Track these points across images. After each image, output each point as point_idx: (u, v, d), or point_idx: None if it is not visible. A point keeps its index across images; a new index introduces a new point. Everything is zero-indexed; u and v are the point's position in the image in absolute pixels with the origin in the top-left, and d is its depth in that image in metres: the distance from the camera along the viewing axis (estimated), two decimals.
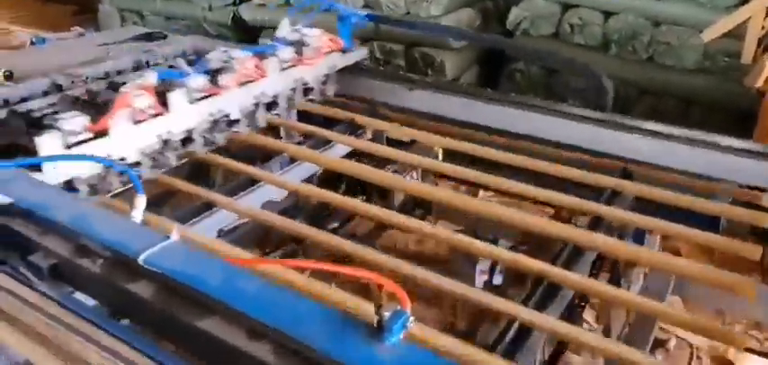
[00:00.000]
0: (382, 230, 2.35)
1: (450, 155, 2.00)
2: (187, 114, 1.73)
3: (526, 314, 1.20)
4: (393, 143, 2.13)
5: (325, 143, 2.02)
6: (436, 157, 2.08)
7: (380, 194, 2.10)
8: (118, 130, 1.55)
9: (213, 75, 1.83)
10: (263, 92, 1.95)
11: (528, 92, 3.62)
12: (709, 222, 1.57)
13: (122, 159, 1.56)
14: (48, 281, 1.16)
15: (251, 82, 1.90)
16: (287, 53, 2.06)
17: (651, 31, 3.23)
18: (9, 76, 2.02)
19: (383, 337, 0.72)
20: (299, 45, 2.10)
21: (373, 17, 2.66)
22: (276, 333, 0.76)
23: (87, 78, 2.10)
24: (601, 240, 1.49)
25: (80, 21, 5.98)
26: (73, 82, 2.05)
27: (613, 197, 1.70)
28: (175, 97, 1.69)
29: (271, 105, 2.02)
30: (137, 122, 1.61)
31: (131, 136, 1.59)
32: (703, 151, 1.78)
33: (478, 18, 3.81)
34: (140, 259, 0.88)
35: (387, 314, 0.71)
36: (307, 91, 2.16)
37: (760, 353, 1.61)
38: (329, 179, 2.09)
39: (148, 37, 2.56)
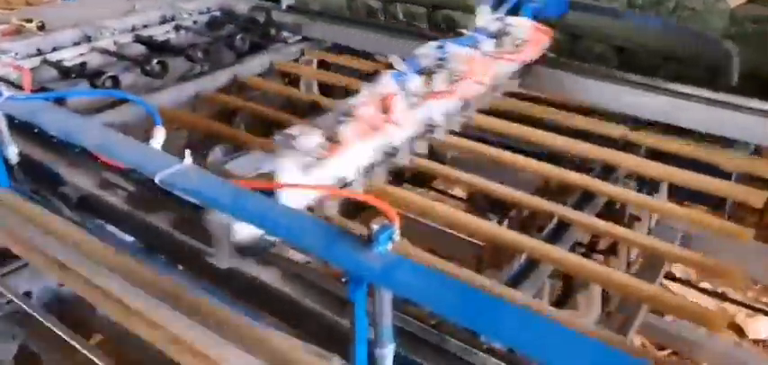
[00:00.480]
0: None
1: None
2: (406, 123, 1.45)
3: (534, 244, 1.25)
4: None
5: None
6: None
7: None
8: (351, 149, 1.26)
9: (428, 74, 1.50)
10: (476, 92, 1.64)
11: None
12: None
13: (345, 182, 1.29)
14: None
15: (464, 81, 1.57)
16: (487, 45, 1.71)
17: None
18: (41, 27, 2.11)
19: (371, 246, 0.79)
20: (502, 36, 1.75)
21: (580, 4, 2.51)
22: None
23: (115, 31, 2.19)
24: (610, 187, 1.54)
25: None
26: (101, 34, 2.14)
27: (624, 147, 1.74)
28: (396, 104, 1.38)
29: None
30: (366, 137, 1.31)
31: (359, 153, 1.31)
32: (718, 110, 1.79)
33: None
34: (157, 179, 0.96)
35: (375, 227, 0.78)
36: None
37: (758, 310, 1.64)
38: None
39: None
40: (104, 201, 1.21)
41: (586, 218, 1.44)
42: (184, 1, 2.51)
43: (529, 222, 1.75)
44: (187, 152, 1.02)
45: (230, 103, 2.00)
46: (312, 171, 1.12)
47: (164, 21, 2.36)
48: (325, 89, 2.36)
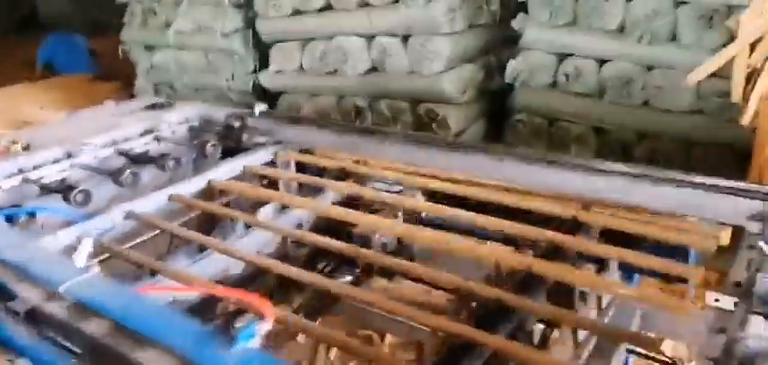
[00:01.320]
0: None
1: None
2: None
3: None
4: None
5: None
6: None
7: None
8: None
9: None
10: None
11: (531, 140, 3.72)
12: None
13: None
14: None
15: None
16: None
17: (644, 76, 3.31)
18: (26, 147, 2.26)
19: (232, 343, 0.85)
20: None
21: None
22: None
23: (97, 146, 2.33)
24: (557, 269, 1.58)
25: (121, 96, 6.44)
26: (82, 150, 2.28)
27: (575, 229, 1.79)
28: None
29: None
30: None
31: None
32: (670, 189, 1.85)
33: (481, 72, 3.96)
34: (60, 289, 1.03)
35: (239, 325, 0.85)
36: None
37: None
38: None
39: (158, 106, 2.80)
40: (48, 313, 1.28)
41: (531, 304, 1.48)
42: (168, 113, 2.67)
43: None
44: (94, 261, 1.10)
45: (204, 208, 2.10)
46: None
47: (145, 133, 2.51)
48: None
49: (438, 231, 2.29)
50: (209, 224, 2.19)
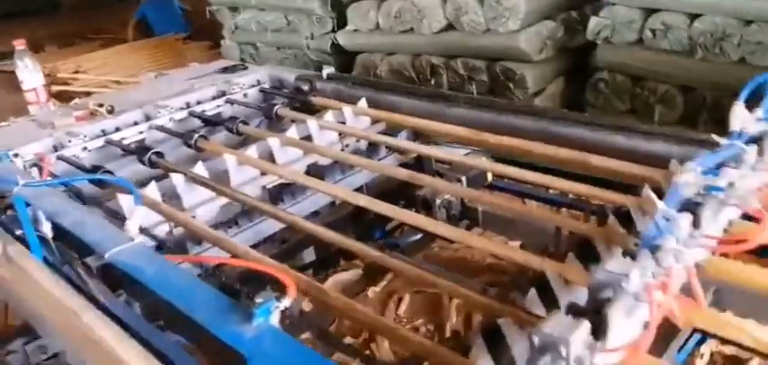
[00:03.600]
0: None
1: None
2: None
3: None
4: None
5: None
6: None
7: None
8: None
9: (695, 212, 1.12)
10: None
11: (613, 100, 3.55)
12: None
13: None
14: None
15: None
16: (752, 155, 1.32)
17: (742, 30, 3.04)
18: (111, 110, 2.40)
19: (250, 318, 0.87)
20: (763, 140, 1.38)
21: None
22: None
23: (172, 109, 2.44)
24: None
25: (211, 56, 6.68)
26: (159, 112, 2.40)
27: None
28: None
29: None
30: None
31: None
32: None
33: (560, 29, 3.78)
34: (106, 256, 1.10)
35: (259, 300, 0.87)
36: None
37: None
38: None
39: (232, 69, 2.89)
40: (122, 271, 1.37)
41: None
42: (238, 76, 2.75)
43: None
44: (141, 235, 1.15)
45: (268, 169, 2.16)
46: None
47: (217, 95, 2.60)
48: None
49: (504, 194, 2.26)
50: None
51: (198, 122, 2.45)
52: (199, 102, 2.53)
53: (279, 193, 2.08)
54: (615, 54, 3.48)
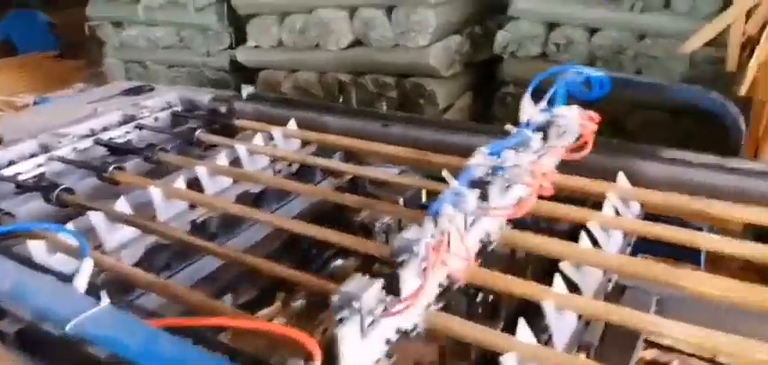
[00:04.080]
0: None
1: None
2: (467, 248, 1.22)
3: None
4: None
5: None
6: None
7: None
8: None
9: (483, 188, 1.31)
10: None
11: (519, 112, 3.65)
12: None
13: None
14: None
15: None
16: (538, 142, 1.52)
17: (636, 44, 3.25)
18: None
19: None
20: (548, 128, 1.59)
21: (621, 80, 2.39)
22: None
23: (74, 137, 2.17)
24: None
25: (89, 76, 6.17)
26: (59, 142, 2.12)
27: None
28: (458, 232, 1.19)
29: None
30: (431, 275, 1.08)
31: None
32: None
33: (467, 44, 3.86)
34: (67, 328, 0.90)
35: None
36: None
37: None
38: None
39: (137, 90, 2.64)
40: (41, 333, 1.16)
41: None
42: (145, 98, 2.52)
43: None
44: (103, 293, 0.98)
45: (199, 202, 1.98)
46: (374, 331, 0.95)
47: (125, 121, 2.36)
48: None
49: None
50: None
51: (104, 151, 2.20)
52: (105, 129, 2.27)
53: (211, 226, 1.90)
54: (520, 68, 3.60)
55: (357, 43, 3.87)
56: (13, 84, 5.76)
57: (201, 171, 1.93)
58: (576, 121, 1.65)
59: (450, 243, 1.11)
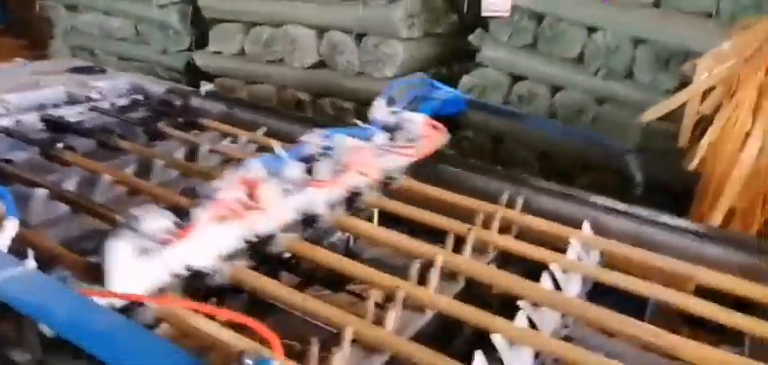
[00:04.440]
0: None
1: None
2: (277, 211, 1.35)
3: None
4: None
5: None
6: None
7: None
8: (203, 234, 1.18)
9: (310, 163, 1.47)
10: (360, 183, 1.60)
11: (475, 159, 3.65)
12: None
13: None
14: None
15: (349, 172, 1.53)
16: (381, 139, 1.73)
17: (595, 108, 3.32)
18: None
19: None
20: (396, 130, 1.78)
21: (477, 103, 2.59)
22: None
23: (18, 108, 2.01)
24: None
25: (31, 57, 5.85)
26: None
27: None
28: (268, 190, 1.31)
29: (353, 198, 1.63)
30: (224, 222, 1.23)
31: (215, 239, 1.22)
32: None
33: None
34: None
35: (249, 362, 0.66)
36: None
37: None
38: None
39: (86, 70, 2.49)
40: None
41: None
42: (95, 79, 2.38)
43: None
44: (30, 253, 0.86)
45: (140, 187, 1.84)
46: (152, 255, 1.04)
47: (73, 100, 2.20)
48: None
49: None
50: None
51: (41, 127, 2.03)
52: (56, 106, 2.11)
53: None
54: (480, 115, 3.60)
55: (321, 64, 3.81)
56: None
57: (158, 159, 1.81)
58: (421, 127, 1.84)
59: (257, 200, 1.25)
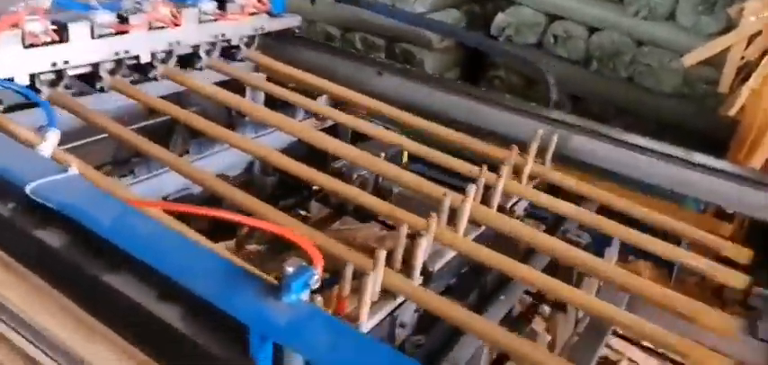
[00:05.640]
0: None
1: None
2: (88, 48, 1.67)
3: (466, 316, 1.13)
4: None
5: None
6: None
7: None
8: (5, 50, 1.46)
9: (122, 14, 1.79)
10: (177, 40, 1.90)
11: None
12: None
13: (10, 79, 1.48)
14: None
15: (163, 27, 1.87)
16: (209, 7, 2.03)
17: (634, 50, 3.21)
18: None
19: (280, 294, 0.65)
20: (222, 1, 2.09)
21: None
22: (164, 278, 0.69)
23: None
24: (557, 244, 1.44)
25: None
26: None
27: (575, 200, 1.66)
28: (77, 28, 1.63)
29: (190, 57, 1.99)
30: (29, 46, 1.53)
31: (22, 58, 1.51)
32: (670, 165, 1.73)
33: (464, 20, 3.76)
34: (28, 189, 0.78)
35: (290, 270, 0.65)
36: (230, 49, 2.12)
37: None
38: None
39: None
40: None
41: (532, 273, 1.34)
42: None
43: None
44: (73, 160, 0.86)
45: (169, 112, 1.85)
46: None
47: None
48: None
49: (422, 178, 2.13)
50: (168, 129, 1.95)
51: None
52: None
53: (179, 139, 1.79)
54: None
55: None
56: None
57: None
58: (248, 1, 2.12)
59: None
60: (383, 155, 2.07)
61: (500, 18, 3.50)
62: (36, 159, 0.95)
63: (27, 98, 1.37)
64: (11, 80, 1.47)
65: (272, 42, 2.29)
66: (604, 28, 3.25)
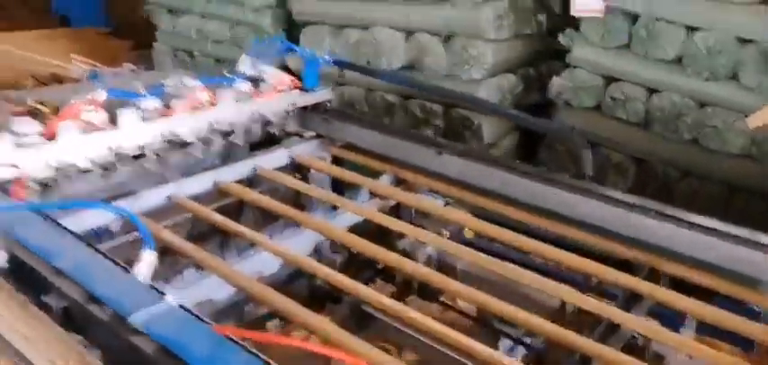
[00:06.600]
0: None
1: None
2: (138, 132, 1.91)
3: None
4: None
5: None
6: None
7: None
8: (66, 138, 1.74)
9: (166, 99, 2.05)
10: (216, 119, 2.10)
11: (566, 162, 3.57)
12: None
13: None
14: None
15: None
16: (244, 86, 2.26)
17: (696, 112, 3.16)
18: (55, 111, 2.09)
19: None
20: (256, 80, 2.33)
21: (338, 62, 2.80)
22: None
23: None
24: (636, 320, 1.47)
25: (136, 57, 6.24)
26: None
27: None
28: (126, 114, 1.88)
29: (228, 134, 2.18)
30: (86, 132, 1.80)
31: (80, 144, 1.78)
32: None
33: (520, 84, 3.80)
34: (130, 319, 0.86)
35: None
36: (266, 124, 2.32)
37: None
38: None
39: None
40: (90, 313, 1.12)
41: (611, 353, 1.36)
42: None
43: (545, 353, 1.66)
44: (168, 289, 0.94)
45: (247, 199, 1.97)
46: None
47: None
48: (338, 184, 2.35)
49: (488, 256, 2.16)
50: (244, 214, 2.05)
51: None
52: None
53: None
54: (573, 117, 3.52)
55: (409, 67, 3.84)
56: (66, 55, 5.83)
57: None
58: (279, 80, 2.39)
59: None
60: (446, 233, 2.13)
61: (556, 81, 3.52)
62: (134, 285, 1.02)
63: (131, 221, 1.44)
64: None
65: (337, 122, 2.39)
66: (664, 90, 3.22)
